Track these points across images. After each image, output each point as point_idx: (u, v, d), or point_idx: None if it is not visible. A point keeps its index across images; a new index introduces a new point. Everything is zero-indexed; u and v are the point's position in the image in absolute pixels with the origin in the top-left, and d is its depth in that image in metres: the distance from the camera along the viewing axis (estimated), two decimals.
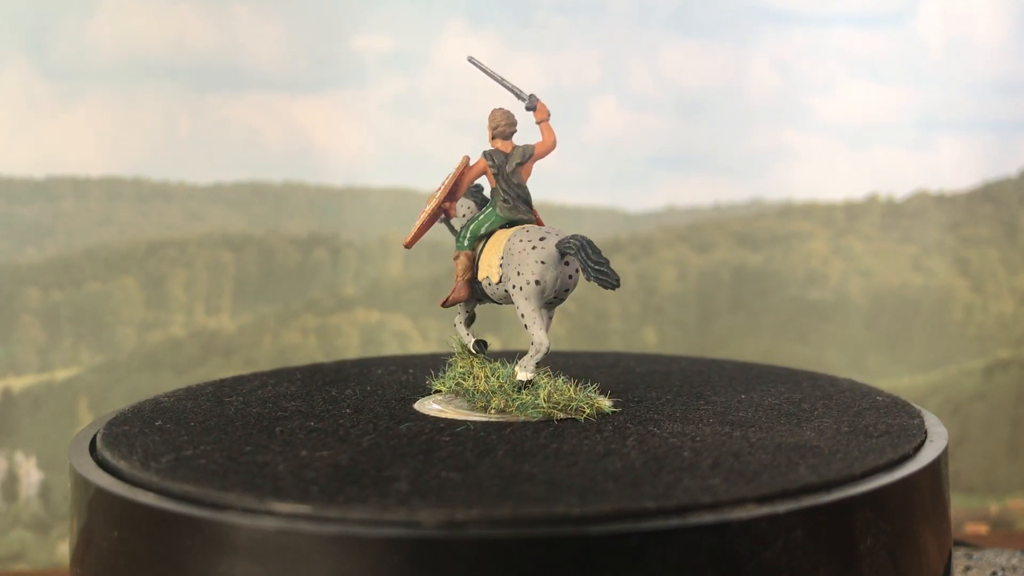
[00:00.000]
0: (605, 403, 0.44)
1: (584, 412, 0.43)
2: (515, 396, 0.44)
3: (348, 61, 0.83)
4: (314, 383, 0.52)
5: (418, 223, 0.48)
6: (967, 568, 0.61)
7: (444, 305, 0.48)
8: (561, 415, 0.43)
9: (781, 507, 0.33)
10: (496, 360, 0.48)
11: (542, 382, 0.44)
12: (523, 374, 0.45)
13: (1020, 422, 0.90)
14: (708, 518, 0.32)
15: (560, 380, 0.45)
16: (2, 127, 0.79)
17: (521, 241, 0.44)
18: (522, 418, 0.43)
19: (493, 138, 0.47)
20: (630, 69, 0.87)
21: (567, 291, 0.44)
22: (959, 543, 0.66)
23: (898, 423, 0.43)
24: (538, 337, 0.44)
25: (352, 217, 0.84)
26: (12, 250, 0.80)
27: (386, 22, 0.83)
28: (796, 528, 0.33)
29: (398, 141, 0.84)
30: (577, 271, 0.44)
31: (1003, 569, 0.60)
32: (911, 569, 0.37)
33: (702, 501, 0.33)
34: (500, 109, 0.47)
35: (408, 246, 0.49)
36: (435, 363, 0.52)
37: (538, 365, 0.45)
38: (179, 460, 0.38)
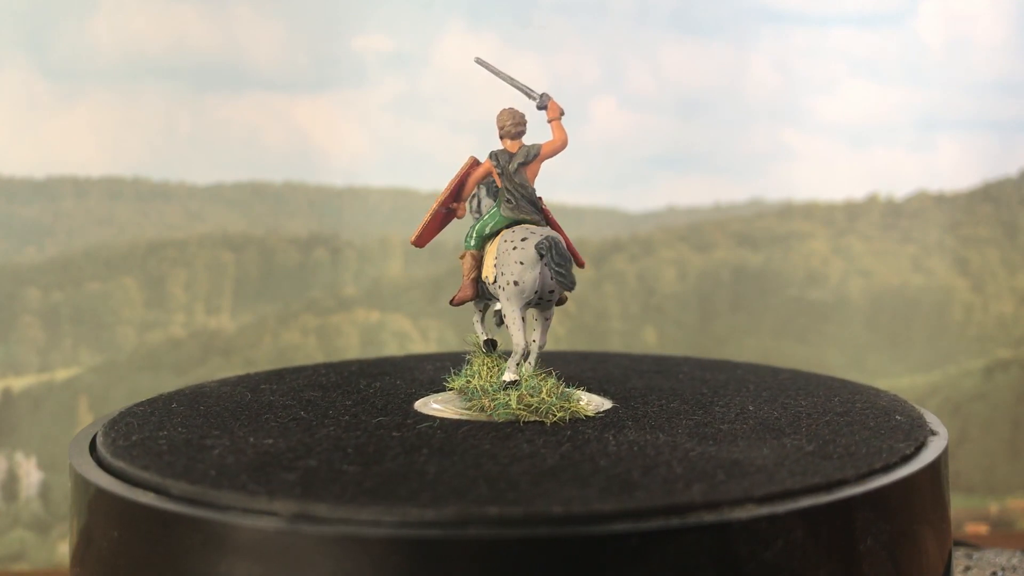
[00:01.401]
0: (584, 407, 0.44)
1: (554, 416, 0.43)
2: (495, 397, 0.44)
3: (348, 61, 0.83)
4: (314, 383, 0.52)
5: (423, 222, 0.48)
6: (967, 568, 0.61)
7: (452, 304, 0.48)
8: (532, 417, 0.43)
9: (781, 507, 0.33)
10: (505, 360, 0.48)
11: (527, 383, 0.44)
12: (507, 375, 0.45)
13: (1020, 422, 0.90)
14: (708, 518, 0.32)
15: (549, 382, 0.44)
16: (2, 127, 0.79)
17: (506, 241, 0.44)
18: (495, 418, 0.43)
19: (501, 138, 0.47)
20: (630, 69, 0.87)
21: (552, 292, 0.44)
22: (959, 543, 0.66)
23: (898, 423, 0.43)
24: (516, 338, 0.44)
25: (352, 217, 0.84)
26: (12, 250, 0.80)
27: (386, 22, 0.83)
28: (796, 528, 0.33)
29: (398, 141, 0.84)
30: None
31: (1003, 569, 0.60)
32: (911, 569, 0.37)
33: (702, 501, 0.33)
34: (508, 109, 0.47)
35: (416, 244, 0.49)
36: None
37: (535, 365, 0.45)
38: (179, 460, 0.38)
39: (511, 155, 0.46)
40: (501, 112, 0.47)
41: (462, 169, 0.48)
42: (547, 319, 0.45)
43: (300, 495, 0.33)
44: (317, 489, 0.34)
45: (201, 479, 0.35)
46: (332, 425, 0.43)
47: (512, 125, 0.46)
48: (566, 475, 0.35)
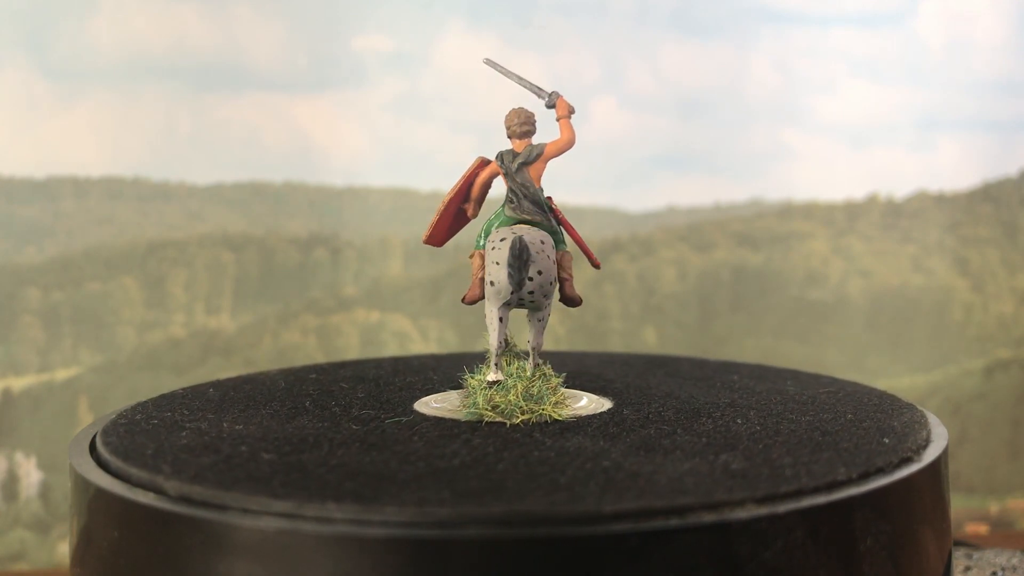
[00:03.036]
0: (552, 411, 0.43)
1: (517, 417, 0.43)
2: (471, 395, 0.44)
3: (348, 61, 0.83)
4: (315, 383, 0.52)
5: (432, 221, 0.48)
6: (967, 568, 0.61)
7: (464, 302, 0.48)
8: (497, 418, 0.43)
9: (781, 507, 0.33)
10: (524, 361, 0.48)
11: (509, 383, 0.44)
12: (490, 375, 0.45)
13: (1020, 422, 0.90)
14: (708, 518, 0.32)
15: (537, 384, 0.44)
16: (2, 127, 0.79)
17: (490, 242, 0.44)
18: (461, 418, 0.44)
19: (509, 138, 0.47)
20: (630, 69, 0.87)
21: (531, 293, 0.44)
22: (959, 543, 0.66)
23: (898, 423, 0.43)
24: (490, 338, 0.44)
25: (352, 217, 0.84)
26: (12, 250, 0.80)
27: (386, 22, 0.83)
28: (796, 528, 0.33)
29: (398, 141, 0.84)
30: (539, 273, 0.43)
31: (1003, 569, 0.60)
32: (911, 569, 0.37)
33: (702, 501, 0.33)
34: (515, 109, 0.47)
35: (430, 244, 0.49)
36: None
37: (534, 365, 0.45)
38: (179, 460, 0.38)
39: (515, 155, 0.46)
40: (509, 112, 0.47)
41: (469, 169, 0.48)
42: (539, 320, 0.45)
43: (300, 495, 0.33)
44: (317, 489, 0.34)
45: (201, 479, 0.35)
46: (333, 425, 0.43)
47: (518, 125, 0.46)
48: (448, 477, 0.35)
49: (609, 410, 0.45)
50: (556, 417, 0.43)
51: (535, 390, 0.44)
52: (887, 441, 0.40)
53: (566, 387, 0.48)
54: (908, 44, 0.88)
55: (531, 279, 0.43)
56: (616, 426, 0.42)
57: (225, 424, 0.43)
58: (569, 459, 0.37)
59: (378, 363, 0.58)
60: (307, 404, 0.47)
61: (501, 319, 0.44)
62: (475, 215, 0.49)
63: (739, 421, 0.43)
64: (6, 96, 0.79)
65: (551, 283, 0.44)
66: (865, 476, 0.36)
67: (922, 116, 0.88)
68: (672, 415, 0.44)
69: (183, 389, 0.51)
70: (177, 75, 0.81)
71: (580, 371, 0.54)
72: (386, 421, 0.43)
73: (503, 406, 0.43)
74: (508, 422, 0.42)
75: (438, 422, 0.43)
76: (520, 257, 0.42)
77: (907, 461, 0.38)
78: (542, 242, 0.44)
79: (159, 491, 0.35)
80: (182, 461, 0.37)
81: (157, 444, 0.40)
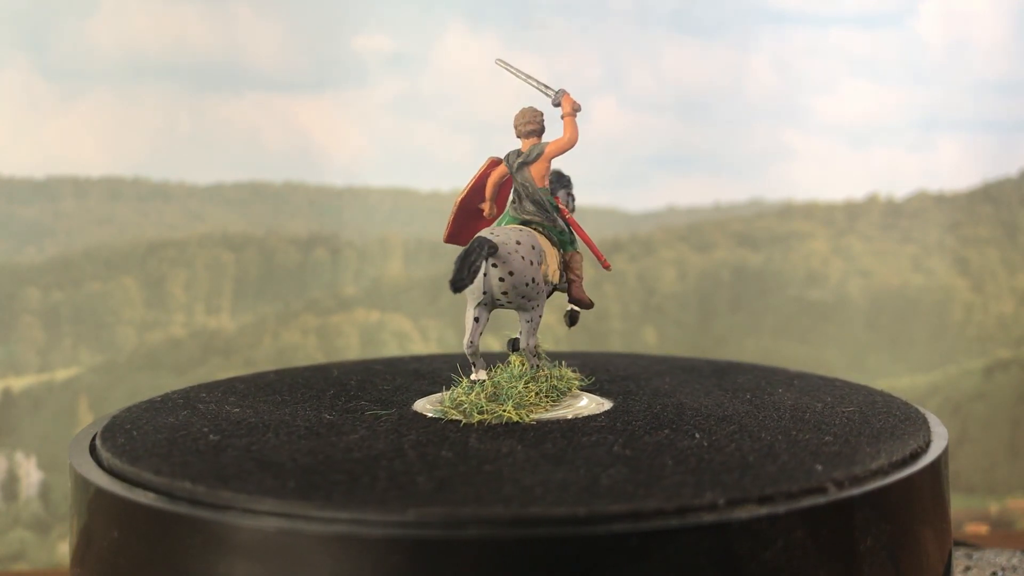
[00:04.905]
0: (512, 412, 0.43)
1: (474, 417, 0.43)
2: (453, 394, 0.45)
3: (348, 61, 0.83)
4: (315, 382, 0.52)
5: (448, 221, 0.49)
6: (967, 568, 0.61)
7: None
8: (460, 418, 0.43)
9: (781, 507, 0.33)
10: (550, 362, 0.48)
11: (486, 384, 0.44)
12: (474, 374, 0.45)
13: (1020, 422, 0.90)
14: (708, 518, 0.32)
15: (522, 382, 0.44)
16: (2, 127, 0.79)
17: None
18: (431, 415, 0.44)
19: (518, 138, 0.47)
20: (630, 69, 0.87)
21: (505, 294, 0.44)
22: (959, 543, 0.66)
23: (898, 423, 0.43)
24: (464, 337, 0.45)
25: (352, 217, 0.84)
26: (12, 250, 0.80)
27: (386, 22, 0.83)
28: (796, 528, 0.33)
29: (398, 141, 0.84)
30: (511, 274, 0.43)
31: (1003, 569, 0.60)
32: (911, 569, 0.37)
33: (702, 501, 0.33)
34: (523, 109, 0.47)
35: (450, 242, 0.49)
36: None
37: (530, 364, 0.45)
38: (179, 460, 0.38)
39: (519, 154, 0.46)
40: (517, 112, 0.47)
41: (481, 169, 0.48)
42: (527, 321, 0.45)
43: (300, 495, 0.33)
44: (317, 489, 0.34)
45: (201, 479, 0.35)
46: (333, 425, 0.43)
47: (522, 124, 0.46)
48: (448, 477, 0.35)
49: (609, 410, 0.45)
50: (517, 420, 0.43)
51: (535, 390, 0.44)
52: (887, 440, 0.40)
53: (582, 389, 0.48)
54: (908, 44, 0.88)
55: (502, 280, 0.43)
56: (616, 426, 0.42)
57: (225, 424, 0.43)
58: (569, 459, 0.37)
59: (383, 362, 0.59)
60: (310, 404, 0.47)
61: (476, 319, 0.44)
62: (491, 213, 0.49)
63: (740, 421, 0.43)
64: (6, 96, 0.79)
65: (527, 284, 0.44)
66: (865, 476, 0.36)
67: (922, 116, 0.88)
68: (672, 415, 0.44)
69: (183, 388, 0.51)
70: (177, 75, 0.81)
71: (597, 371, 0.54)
72: (374, 414, 0.43)
73: (465, 405, 0.43)
74: (464, 420, 0.43)
75: (432, 421, 0.43)
76: (466, 257, 0.42)
77: (907, 461, 0.38)
78: (518, 243, 0.44)
79: (159, 491, 0.35)
80: (182, 461, 0.37)
81: (157, 444, 0.40)
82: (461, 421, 0.43)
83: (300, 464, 0.37)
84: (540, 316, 0.45)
